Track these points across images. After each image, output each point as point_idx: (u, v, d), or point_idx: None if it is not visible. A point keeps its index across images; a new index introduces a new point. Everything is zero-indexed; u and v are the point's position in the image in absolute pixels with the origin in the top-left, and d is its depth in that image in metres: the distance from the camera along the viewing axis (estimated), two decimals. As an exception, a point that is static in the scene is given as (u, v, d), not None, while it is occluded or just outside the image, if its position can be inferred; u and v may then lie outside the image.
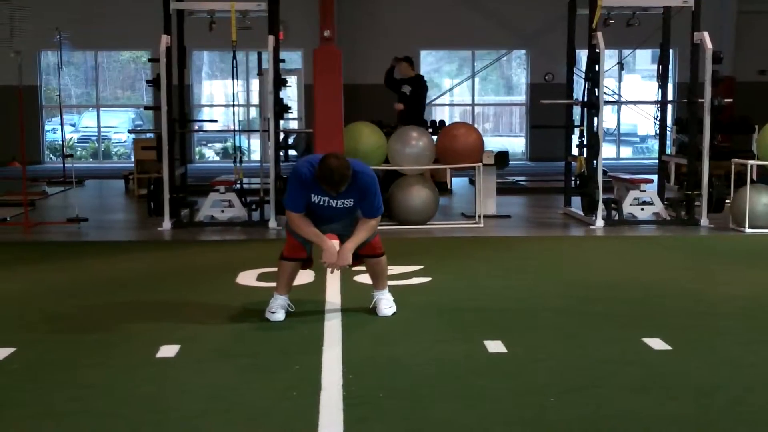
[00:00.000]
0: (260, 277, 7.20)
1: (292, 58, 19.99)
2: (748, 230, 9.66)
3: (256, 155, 19.44)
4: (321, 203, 5.63)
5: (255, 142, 20.25)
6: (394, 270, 7.05)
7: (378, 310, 5.91)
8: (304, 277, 7.04)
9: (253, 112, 21.05)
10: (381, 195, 5.75)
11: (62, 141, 16.32)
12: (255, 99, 20.49)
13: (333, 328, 5.59)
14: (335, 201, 5.61)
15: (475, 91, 21.65)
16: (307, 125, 19.20)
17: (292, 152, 19.70)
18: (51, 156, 21.01)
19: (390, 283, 6.09)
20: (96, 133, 21.54)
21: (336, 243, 5.76)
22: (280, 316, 5.77)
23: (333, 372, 4.68)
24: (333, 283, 6.72)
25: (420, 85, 12.22)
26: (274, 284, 5.99)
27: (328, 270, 5.84)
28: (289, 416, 4.07)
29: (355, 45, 19.07)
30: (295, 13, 17.70)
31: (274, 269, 7.39)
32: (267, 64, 10.26)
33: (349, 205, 5.67)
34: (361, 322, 5.76)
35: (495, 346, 5.15)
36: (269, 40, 10.01)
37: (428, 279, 7.11)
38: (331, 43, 9.36)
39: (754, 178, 9.82)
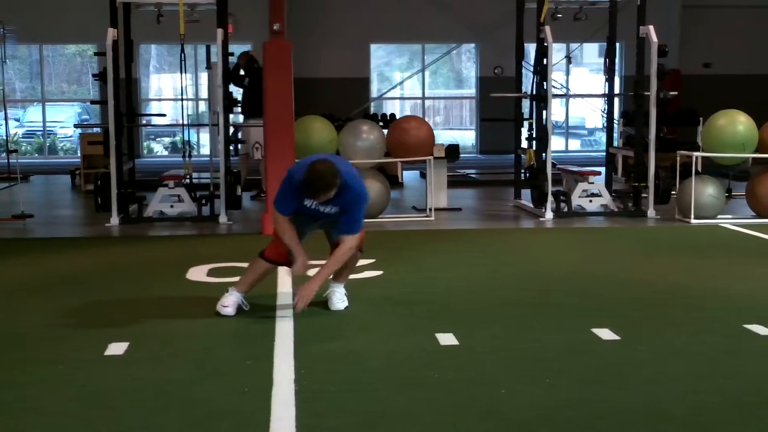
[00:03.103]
0: (211, 273, 7.15)
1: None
2: (693, 221, 9.80)
3: (205, 149, 19.28)
4: (311, 207, 5.59)
5: (204, 137, 20.08)
6: (345, 264, 7.05)
7: (330, 303, 5.90)
8: (256, 271, 7.01)
9: (203, 106, 20.88)
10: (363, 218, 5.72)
11: (6, 136, 16.03)
12: (204, 93, 20.32)
13: (285, 323, 5.57)
14: (323, 207, 5.58)
15: (425, 85, 21.70)
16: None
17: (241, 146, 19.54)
18: (-5, 152, 20.62)
19: (342, 277, 6.08)
20: (41, 128, 21.21)
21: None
22: (231, 311, 5.72)
23: (285, 367, 4.67)
24: (285, 278, 6.70)
25: (258, 77, 12.24)
26: (225, 280, 5.95)
27: (295, 302, 5.63)
28: (242, 412, 4.05)
29: (306, 38, 18.99)
30: (244, 6, 17.57)
31: (225, 264, 7.41)
32: (216, 57, 10.18)
33: (336, 213, 5.65)
34: (314, 316, 5.74)
35: (447, 339, 5.18)
36: (218, 34, 9.94)
37: (380, 273, 7.11)
38: (281, 36, 9.27)
39: (699, 169, 9.96)
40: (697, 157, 9.92)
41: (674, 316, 5.75)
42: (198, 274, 7.13)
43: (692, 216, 9.82)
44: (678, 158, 10.24)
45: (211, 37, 9.99)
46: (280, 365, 4.70)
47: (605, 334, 5.27)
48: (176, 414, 4.03)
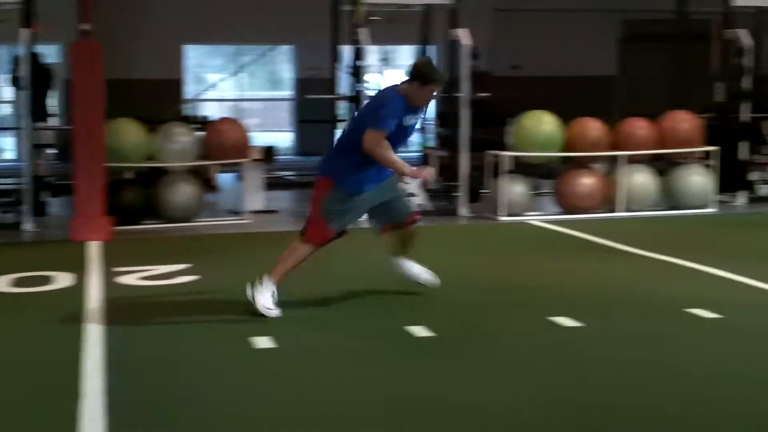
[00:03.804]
0: (13, 282, 6.80)
1: (51, 53, 19.09)
2: (503, 218, 10.12)
3: (10, 154, 18.46)
4: (409, 123, 5.87)
5: (9, 141, 19.20)
6: (158, 269, 6.91)
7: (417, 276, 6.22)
8: (64, 280, 6.78)
9: (6, 110, 19.95)
10: None
11: None
12: (6, 95, 19.43)
13: (94, 332, 5.37)
14: (419, 115, 5.97)
15: (241, 87, 21.52)
16: (66, 122, 18.40)
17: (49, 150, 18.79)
18: None
19: (155, 283, 5.95)
20: None
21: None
22: (277, 311, 5.71)
23: (95, 377, 4.51)
24: (94, 286, 6.48)
25: (43, 78, 11.83)
26: (31, 290, 5.69)
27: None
28: (48, 426, 3.89)
29: (118, 38, 18.44)
30: (53, 5, 16.92)
31: (31, 274, 7.06)
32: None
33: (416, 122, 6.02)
34: (125, 323, 5.60)
35: (263, 342, 5.15)
36: (23, 33, 9.54)
37: (197, 277, 6.95)
38: (91, 36, 9.00)
39: (509, 168, 10.30)
40: (506, 157, 10.26)
41: (478, 312, 5.95)
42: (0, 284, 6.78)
43: (502, 213, 10.13)
44: (488, 158, 10.54)
45: (17, 37, 9.56)
46: (89, 376, 4.54)
47: (420, 331, 5.38)
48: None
